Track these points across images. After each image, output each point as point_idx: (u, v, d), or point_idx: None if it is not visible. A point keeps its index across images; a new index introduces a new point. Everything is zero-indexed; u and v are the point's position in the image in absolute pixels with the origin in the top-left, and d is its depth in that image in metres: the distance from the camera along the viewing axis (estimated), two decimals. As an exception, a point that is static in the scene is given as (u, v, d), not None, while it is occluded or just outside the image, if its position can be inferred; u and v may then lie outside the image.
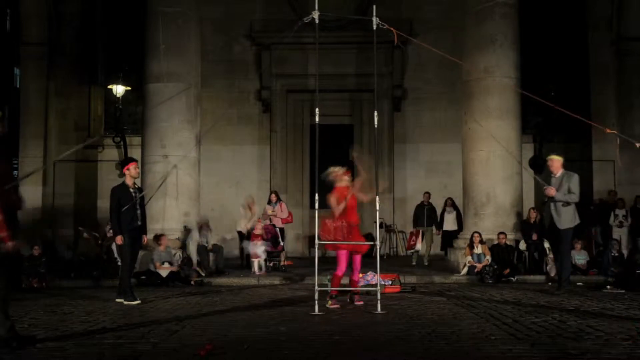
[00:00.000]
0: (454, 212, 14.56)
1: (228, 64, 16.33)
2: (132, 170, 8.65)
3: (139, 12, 13.57)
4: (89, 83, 16.90)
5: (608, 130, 7.63)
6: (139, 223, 8.64)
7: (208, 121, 15.32)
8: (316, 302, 7.15)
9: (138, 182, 9.25)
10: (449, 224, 14.58)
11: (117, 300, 8.48)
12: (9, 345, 5.00)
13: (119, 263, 12.27)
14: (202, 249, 12.28)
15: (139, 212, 8.62)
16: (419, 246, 13.91)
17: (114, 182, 16.53)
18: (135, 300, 8.37)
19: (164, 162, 12.23)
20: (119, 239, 8.55)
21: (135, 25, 14.48)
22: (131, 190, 8.59)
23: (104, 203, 16.12)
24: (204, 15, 14.32)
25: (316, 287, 7.32)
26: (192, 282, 11.09)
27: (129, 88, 15.91)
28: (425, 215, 14.39)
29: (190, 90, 12.97)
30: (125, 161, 9.43)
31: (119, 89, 15.82)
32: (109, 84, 16.10)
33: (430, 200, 14.67)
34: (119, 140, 16.08)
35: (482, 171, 12.61)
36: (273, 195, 13.71)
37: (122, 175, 15.54)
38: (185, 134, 12.83)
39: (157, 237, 11.51)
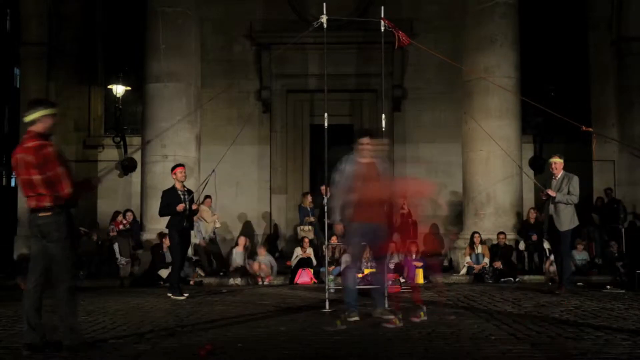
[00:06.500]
0: None
1: (228, 64, 16.28)
2: (177, 174, 9.15)
3: (139, 12, 13.56)
4: (89, 83, 16.85)
5: (584, 128, 7.59)
6: (188, 223, 9.14)
7: (208, 121, 15.36)
8: (327, 300, 7.38)
9: (188, 184, 9.68)
10: None
11: (168, 294, 8.91)
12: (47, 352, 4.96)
13: (120, 263, 12.31)
14: (201, 249, 12.28)
15: (187, 213, 9.07)
16: None
17: (113, 182, 16.62)
18: (182, 295, 8.81)
19: (164, 162, 12.23)
20: (167, 240, 9.19)
21: (135, 25, 14.46)
22: (180, 192, 9.10)
23: (104, 203, 16.11)
24: (204, 15, 14.30)
25: (327, 287, 7.66)
26: (192, 282, 11.10)
27: (129, 88, 15.88)
28: None
29: (190, 90, 12.97)
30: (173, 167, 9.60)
31: (119, 89, 15.80)
32: (109, 84, 16.06)
33: None
34: (119, 140, 16.07)
35: (482, 171, 12.64)
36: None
37: (123, 175, 15.48)
38: (185, 134, 12.83)
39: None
